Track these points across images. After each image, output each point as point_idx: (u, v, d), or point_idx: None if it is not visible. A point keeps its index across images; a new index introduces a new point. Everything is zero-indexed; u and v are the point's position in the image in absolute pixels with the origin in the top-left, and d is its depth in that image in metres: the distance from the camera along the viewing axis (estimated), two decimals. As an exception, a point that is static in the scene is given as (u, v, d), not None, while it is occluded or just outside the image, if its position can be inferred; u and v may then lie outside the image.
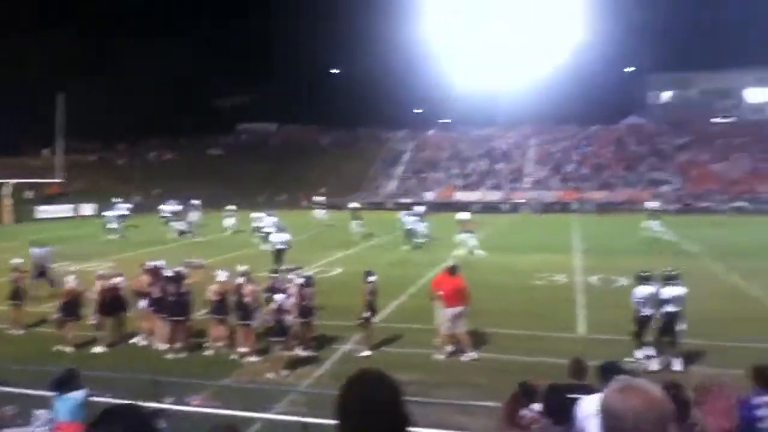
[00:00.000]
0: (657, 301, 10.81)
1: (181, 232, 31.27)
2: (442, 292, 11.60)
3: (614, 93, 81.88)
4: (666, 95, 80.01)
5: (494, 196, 53.90)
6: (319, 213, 32.34)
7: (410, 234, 26.89)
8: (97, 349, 12.20)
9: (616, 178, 54.75)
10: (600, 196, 51.46)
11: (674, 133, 61.56)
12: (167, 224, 33.82)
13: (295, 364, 11.24)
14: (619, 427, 1.93)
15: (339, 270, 20.92)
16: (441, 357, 11.49)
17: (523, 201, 51.54)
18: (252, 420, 7.94)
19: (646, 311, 10.82)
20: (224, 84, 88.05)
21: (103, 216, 34.74)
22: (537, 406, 5.76)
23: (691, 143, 59.08)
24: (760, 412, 5.79)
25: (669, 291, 10.79)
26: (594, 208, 48.44)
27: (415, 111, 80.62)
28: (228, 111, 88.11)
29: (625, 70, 77.37)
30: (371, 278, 11.85)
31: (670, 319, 10.64)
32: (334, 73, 79.43)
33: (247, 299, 11.59)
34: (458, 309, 11.42)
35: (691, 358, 11.03)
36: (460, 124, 72.72)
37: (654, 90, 79.59)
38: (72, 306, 12.37)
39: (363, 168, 62.33)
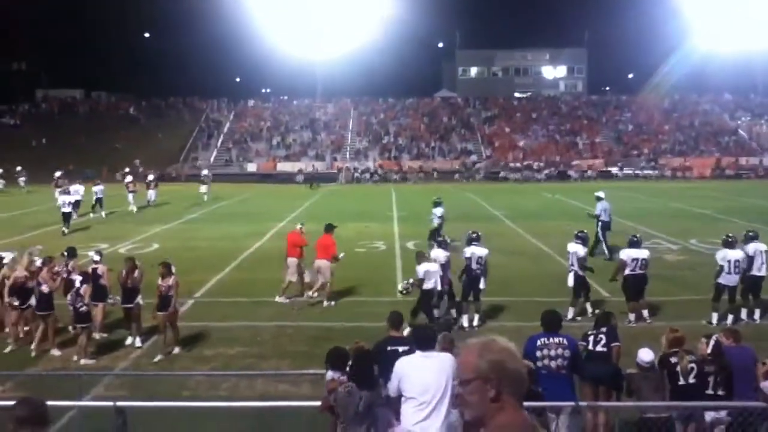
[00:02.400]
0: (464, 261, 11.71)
1: None
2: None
3: (427, 68, 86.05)
4: (473, 71, 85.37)
5: (317, 166, 54.26)
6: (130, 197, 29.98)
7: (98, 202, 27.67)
8: None
9: (430, 149, 57.59)
10: (416, 165, 53.86)
11: (480, 107, 65.96)
12: None
13: (111, 346, 10.68)
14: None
15: (156, 246, 20.00)
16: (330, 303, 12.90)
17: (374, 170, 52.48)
18: (65, 408, 7.45)
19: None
20: (22, 45, 78.39)
21: None
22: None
23: (494, 116, 63.72)
24: (536, 351, 6.75)
25: (470, 251, 11.68)
26: (412, 178, 50.74)
27: (235, 80, 78.44)
28: (26, 75, 78.66)
29: (437, 45, 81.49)
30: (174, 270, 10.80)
31: (473, 277, 11.54)
32: (147, 38, 74.60)
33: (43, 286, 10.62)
34: (320, 262, 12.96)
35: (492, 314, 12.12)
36: (280, 95, 71.95)
37: (462, 66, 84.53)
38: None
39: (180, 139, 59.46)
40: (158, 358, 10.14)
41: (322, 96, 68.50)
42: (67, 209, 22.84)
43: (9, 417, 3.35)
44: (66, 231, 22.21)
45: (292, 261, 13.36)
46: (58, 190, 30.25)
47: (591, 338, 7.57)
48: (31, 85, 76.39)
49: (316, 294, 13.32)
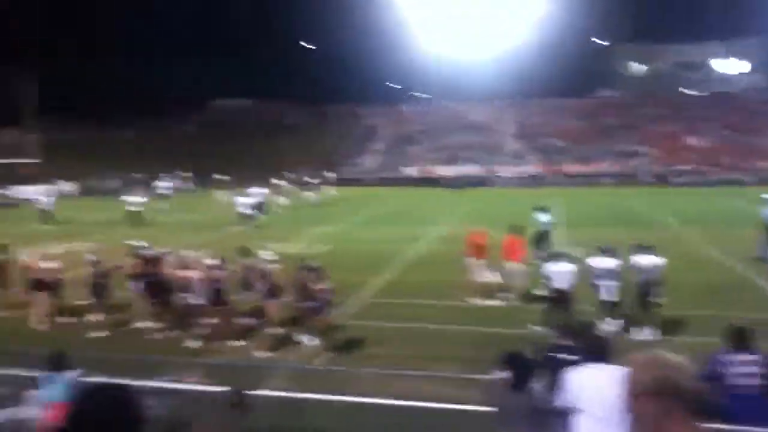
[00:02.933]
0: (632, 271, 11.10)
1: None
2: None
3: (586, 65, 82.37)
4: (636, 67, 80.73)
5: (472, 170, 54.14)
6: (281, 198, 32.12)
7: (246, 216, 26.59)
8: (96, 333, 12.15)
9: (591, 151, 55.30)
10: (576, 168, 51.97)
11: (645, 105, 62.22)
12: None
13: (285, 342, 11.30)
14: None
15: (322, 247, 20.92)
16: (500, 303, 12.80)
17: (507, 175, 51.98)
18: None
19: (603, 282, 11.02)
20: (196, 60, 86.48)
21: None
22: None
23: (661, 115, 59.78)
24: (723, 369, 6.17)
25: (644, 260, 11.04)
26: (572, 181, 49.10)
27: (390, 85, 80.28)
28: (200, 88, 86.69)
29: (596, 42, 77.82)
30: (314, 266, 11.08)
31: (646, 288, 10.91)
32: (307, 48, 78.54)
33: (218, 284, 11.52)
34: (507, 264, 13.19)
35: (667, 327, 11.32)
36: (436, 98, 72.61)
37: (624, 62, 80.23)
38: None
39: (338, 144, 62.05)
40: (322, 357, 10.46)
41: (478, 98, 68.24)
42: (245, 210, 24.72)
43: (209, 401, 3.67)
44: (247, 230, 24.13)
45: (473, 261, 13.33)
46: (233, 192, 32.98)
47: None
48: (206, 96, 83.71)
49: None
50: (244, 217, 24.84)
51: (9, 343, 10.67)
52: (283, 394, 7.62)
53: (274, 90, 79.68)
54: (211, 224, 26.80)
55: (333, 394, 7.57)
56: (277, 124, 70.03)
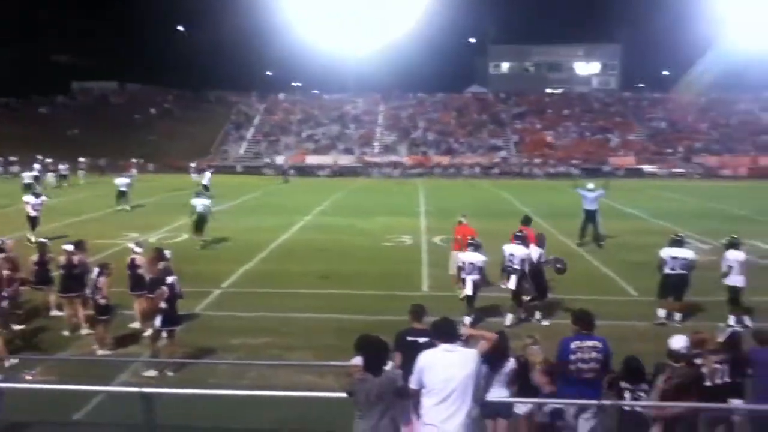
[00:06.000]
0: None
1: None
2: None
3: (458, 63, 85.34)
4: (505, 66, 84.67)
5: (345, 160, 54.51)
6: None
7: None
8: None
9: (459, 144, 57.33)
10: (444, 161, 53.72)
11: (511, 102, 65.40)
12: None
13: (138, 334, 10.79)
14: None
15: (185, 236, 20.19)
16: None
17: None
18: (92, 393, 7.58)
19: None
20: (60, 39, 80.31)
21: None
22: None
23: (525, 112, 63.11)
24: (573, 356, 6.46)
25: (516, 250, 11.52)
26: (441, 173, 50.70)
27: (266, 74, 78.77)
28: (63, 68, 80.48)
29: (469, 40, 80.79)
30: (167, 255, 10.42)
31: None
32: (181, 31, 75.27)
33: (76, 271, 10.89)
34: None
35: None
36: (311, 89, 72.26)
37: (494, 61, 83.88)
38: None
39: (211, 131, 60.07)
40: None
41: (352, 90, 68.63)
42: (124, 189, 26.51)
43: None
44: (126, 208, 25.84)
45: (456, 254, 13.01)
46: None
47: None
48: (68, 77, 77.96)
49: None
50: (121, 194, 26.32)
51: None
52: (131, 389, 7.24)
53: (147, 74, 75.81)
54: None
55: (190, 387, 7.33)
56: (149, 108, 66.66)
